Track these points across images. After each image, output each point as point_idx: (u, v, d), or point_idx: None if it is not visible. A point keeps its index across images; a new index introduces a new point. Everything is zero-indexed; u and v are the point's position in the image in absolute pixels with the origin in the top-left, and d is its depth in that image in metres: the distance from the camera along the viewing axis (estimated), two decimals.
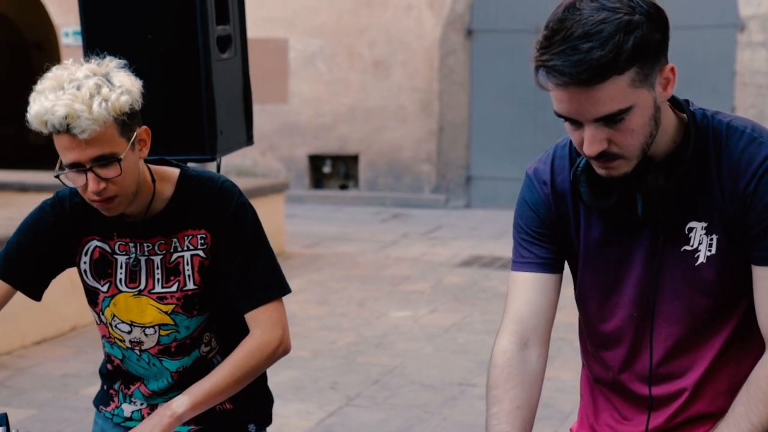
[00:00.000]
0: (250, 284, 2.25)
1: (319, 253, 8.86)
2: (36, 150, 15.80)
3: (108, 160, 2.08)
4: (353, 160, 12.49)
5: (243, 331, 2.28)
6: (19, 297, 2.39)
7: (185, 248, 2.26)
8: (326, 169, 12.60)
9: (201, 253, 2.25)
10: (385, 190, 12.25)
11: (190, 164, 2.56)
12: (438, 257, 8.86)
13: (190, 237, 2.25)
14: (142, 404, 2.39)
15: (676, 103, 1.90)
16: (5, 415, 2.16)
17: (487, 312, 6.92)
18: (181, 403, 2.15)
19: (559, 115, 1.78)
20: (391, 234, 10.08)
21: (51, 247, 2.31)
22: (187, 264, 2.26)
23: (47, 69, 2.13)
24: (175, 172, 2.30)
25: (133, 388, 2.39)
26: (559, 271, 2.01)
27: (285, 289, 2.31)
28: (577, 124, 1.77)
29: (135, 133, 2.13)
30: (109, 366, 2.43)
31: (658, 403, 1.99)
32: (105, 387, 2.47)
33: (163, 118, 2.31)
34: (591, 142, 1.75)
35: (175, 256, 2.26)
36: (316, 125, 12.43)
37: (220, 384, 2.19)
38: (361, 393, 5.26)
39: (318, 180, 12.68)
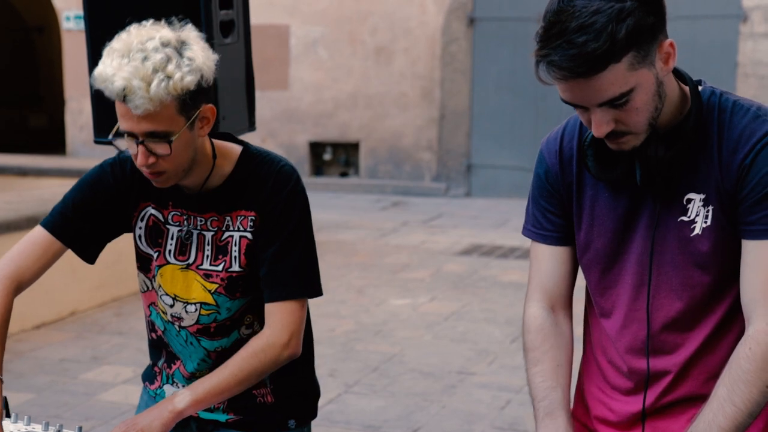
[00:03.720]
0: (278, 275, 2.20)
1: (318, 240, 8.81)
2: (36, 134, 15.83)
3: (160, 137, 2.04)
4: (354, 147, 12.47)
5: None
6: None
7: (236, 228, 2.21)
8: (327, 156, 12.58)
9: (249, 235, 2.20)
10: (386, 178, 12.23)
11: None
12: (438, 245, 8.86)
13: (242, 218, 2.21)
14: (183, 386, 2.35)
15: (679, 76, 1.93)
16: (5, 399, 2.15)
17: (486, 300, 6.92)
18: (182, 399, 2.13)
19: (566, 102, 1.83)
20: (391, 222, 10.08)
21: (107, 208, 2.26)
22: (235, 245, 2.21)
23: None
24: (237, 149, 2.25)
25: (174, 367, 2.36)
26: (574, 241, 2.07)
27: (314, 291, 2.25)
28: (584, 108, 1.82)
29: (198, 112, 2.07)
30: (153, 335, 2.39)
31: (649, 378, 2.01)
32: (151, 363, 2.45)
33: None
34: (598, 124, 1.81)
35: (226, 234, 2.22)
36: (317, 112, 12.41)
37: (222, 383, 2.16)
38: (359, 380, 5.27)
39: (318, 167, 12.67)
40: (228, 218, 2.22)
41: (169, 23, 2.08)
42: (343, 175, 12.57)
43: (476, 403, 4.96)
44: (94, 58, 2.97)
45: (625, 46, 1.71)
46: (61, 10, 13.13)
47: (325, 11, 12.21)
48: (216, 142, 2.23)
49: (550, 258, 2.09)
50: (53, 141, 14.55)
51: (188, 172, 2.15)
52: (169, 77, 1.98)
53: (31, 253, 2.24)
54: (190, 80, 2.00)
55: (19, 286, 2.23)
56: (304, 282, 2.22)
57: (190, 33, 2.07)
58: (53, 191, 6.96)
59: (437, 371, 5.42)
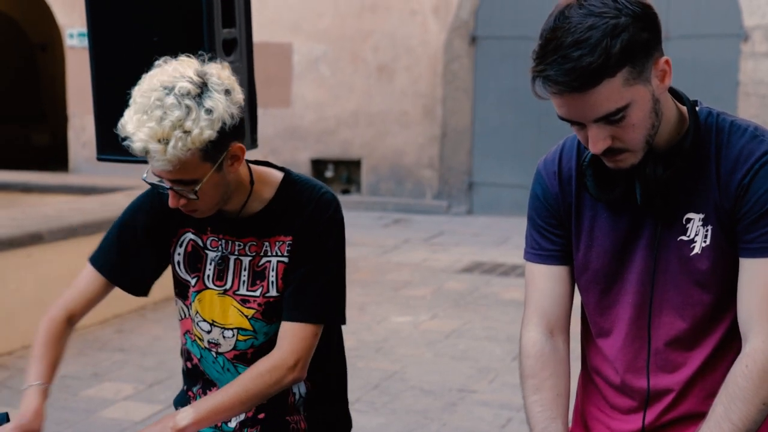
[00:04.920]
0: (300, 297, 2.20)
1: None
2: (39, 151, 15.87)
3: (187, 184, 2.06)
4: (356, 164, 12.49)
5: (322, 343, 2.25)
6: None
7: (274, 253, 2.22)
8: (329, 174, 12.60)
9: (286, 259, 2.22)
10: (387, 196, 12.25)
11: None
12: (439, 263, 8.86)
13: (281, 243, 2.22)
14: None
15: (677, 96, 1.95)
16: (6, 414, 2.17)
17: (487, 318, 6.92)
18: (185, 416, 2.14)
19: (562, 119, 1.84)
20: (393, 239, 10.09)
21: (150, 240, 2.30)
22: (273, 270, 2.22)
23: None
24: (278, 175, 2.28)
25: (210, 393, 2.34)
26: (572, 261, 2.06)
27: (332, 318, 2.24)
28: (580, 124, 1.83)
29: (225, 153, 2.07)
30: (188, 364, 2.40)
31: (649, 397, 2.01)
32: (185, 387, 2.45)
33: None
34: (595, 141, 1.82)
35: (263, 260, 2.23)
36: (319, 129, 12.44)
37: (225, 402, 2.16)
38: (360, 398, 5.26)
39: None
40: (266, 243, 2.23)
41: (198, 56, 2.09)
42: (345, 192, 12.59)
43: (477, 420, 4.95)
44: (97, 75, 2.98)
45: (620, 61, 1.73)
46: (64, 28, 13.19)
47: (328, 30, 12.26)
48: (255, 168, 2.25)
49: (548, 278, 2.07)
50: (56, 158, 14.59)
51: (226, 202, 2.17)
52: (187, 132, 1.98)
53: (81, 290, 2.33)
54: (209, 134, 2.00)
55: (71, 317, 2.33)
56: (323, 308, 2.22)
57: (213, 76, 2.05)
58: (57, 207, 6.96)
59: (438, 389, 5.41)
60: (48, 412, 5.10)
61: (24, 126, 16.39)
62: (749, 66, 10.71)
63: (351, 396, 5.18)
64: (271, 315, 2.24)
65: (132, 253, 2.29)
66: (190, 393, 2.42)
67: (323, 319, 2.22)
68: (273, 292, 2.23)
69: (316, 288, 2.20)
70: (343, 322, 2.26)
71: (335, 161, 12.56)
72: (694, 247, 1.92)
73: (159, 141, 1.97)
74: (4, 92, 15.95)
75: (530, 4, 11.22)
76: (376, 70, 12.18)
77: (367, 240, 9.99)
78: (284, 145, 12.48)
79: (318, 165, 12.62)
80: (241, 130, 2.11)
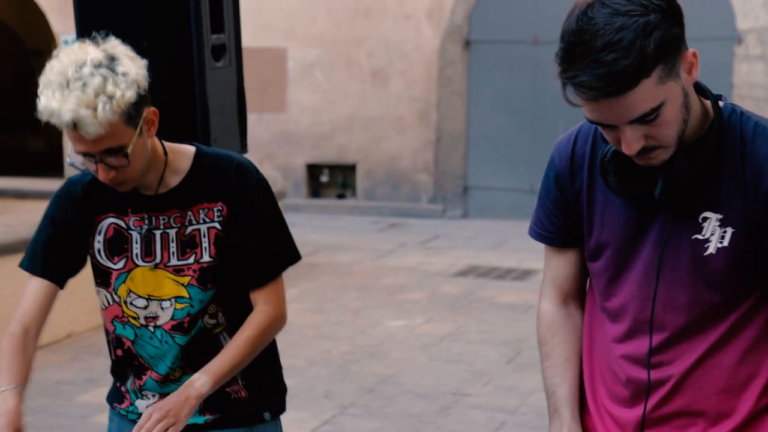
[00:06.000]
0: (264, 258, 2.33)
1: (316, 262, 8.87)
2: (34, 158, 15.85)
3: (116, 151, 2.14)
4: (351, 169, 12.50)
5: (249, 307, 2.35)
6: (13, 305, 2.40)
7: (201, 221, 2.31)
8: (324, 178, 12.61)
9: (217, 225, 2.31)
10: (383, 200, 12.25)
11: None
12: (434, 267, 8.87)
13: (206, 210, 2.31)
14: (154, 396, 2.39)
15: (699, 90, 1.91)
16: None
17: (482, 322, 6.93)
18: (203, 382, 2.22)
19: (593, 122, 1.80)
20: (388, 243, 10.09)
21: (68, 237, 2.36)
22: (204, 236, 2.31)
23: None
24: (191, 148, 2.38)
25: (144, 378, 2.39)
26: (575, 244, 2.08)
27: (293, 258, 2.39)
28: (611, 126, 1.78)
29: (142, 118, 2.17)
30: (118, 352, 2.42)
31: (650, 389, 1.99)
32: (117, 383, 2.48)
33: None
34: (629, 142, 1.77)
35: (190, 228, 2.31)
36: (315, 134, 12.45)
37: (236, 360, 2.27)
38: (355, 402, 5.27)
39: (316, 189, 12.69)
40: (190, 213, 2.31)
41: (92, 39, 2.17)
42: (341, 197, 12.60)
43: (471, 424, 4.96)
44: None
45: (655, 60, 1.69)
46: (59, 35, 13.19)
47: (322, 35, 12.27)
48: (167, 143, 2.34)
49: (557, 258, 2.11)
50: (51, 164, 14.56)
51: (144, 173, 2.25)
52: (111, 97, 2.07)
53: (29, 299, 2.38)
54: (130, 95, 2.10)
55: (26, 330, 2.35)
56: (283, 257, 2.37)
57: (116, 47, 2.17)
58: None
59: (432, 392, 5.42)
60: (43, 418, 5.11)
61: (19, 132, 16.38)
62: (743, 69, 10.74)
63: (345, 401, 5.22)
64: (206, 281, 2.32)
65: (55, 250, 2.36)
66: (123, 388, 2.45)
67: (287, 265, 2.38)
68: (206, 258, 2.31)
69: (273, 245, 2.34)
70: (299, 257, 2.42)
71: (330, 166, 12.57)
72: (708, 246, 1.87)
73: (87, 107, 2.05)
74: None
75: (524, 8, 11.25)
76: (371, 75, 12.19)
77: (363, 244, 10.00)
78: (279, 150, 12.48)
79: (313, 170, 12.62)
80: (149, 96, 2.20)
